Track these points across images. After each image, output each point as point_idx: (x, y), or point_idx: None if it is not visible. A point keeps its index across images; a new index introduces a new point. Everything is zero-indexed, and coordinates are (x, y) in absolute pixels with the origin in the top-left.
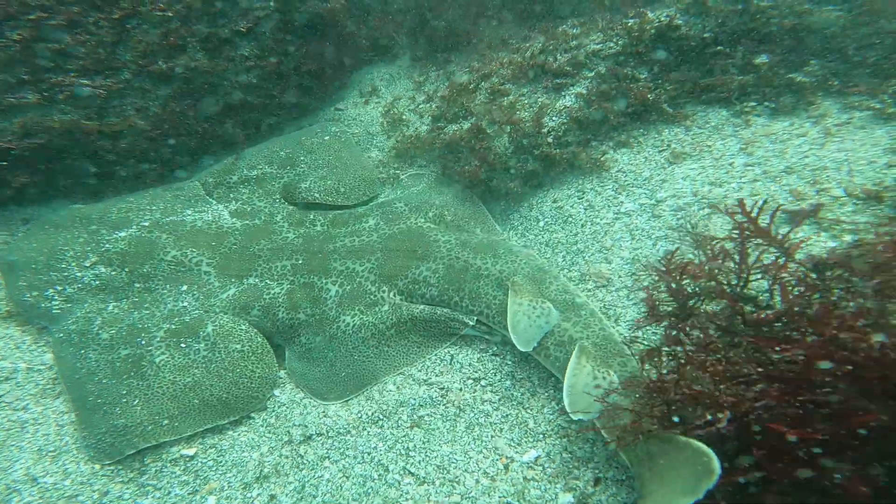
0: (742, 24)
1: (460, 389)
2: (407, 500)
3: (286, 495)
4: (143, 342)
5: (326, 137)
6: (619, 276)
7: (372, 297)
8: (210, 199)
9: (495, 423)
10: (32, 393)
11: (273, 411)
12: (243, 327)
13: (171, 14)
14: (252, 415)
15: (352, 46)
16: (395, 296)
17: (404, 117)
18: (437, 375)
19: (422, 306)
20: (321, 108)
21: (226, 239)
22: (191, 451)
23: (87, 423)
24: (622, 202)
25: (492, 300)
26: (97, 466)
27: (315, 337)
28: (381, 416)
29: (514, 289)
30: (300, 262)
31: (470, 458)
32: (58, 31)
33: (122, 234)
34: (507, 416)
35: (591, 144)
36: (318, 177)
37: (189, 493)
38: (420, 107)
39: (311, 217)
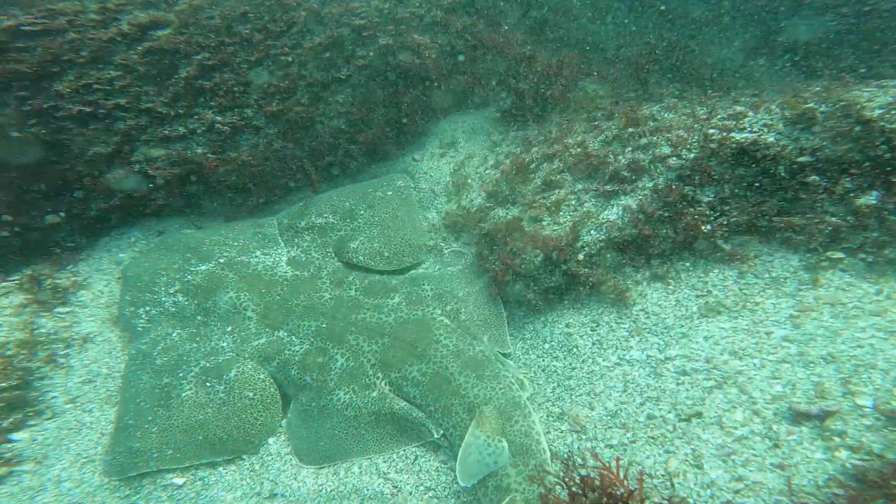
0: (854, 150)
1: (410, 493)
2: None
3: None
4: (181, 374)
5: (389, 192)
6: (595, 427)
7: (367, 379)
8: (279, 242)
9: None
10: (101, 398)
11: (261, 458)
12: (261, 377)
13: (291, 59)
14: (244, 456)
15: (440, 97)
16: (385, 385)
17: (469, 181)
18: (396, 472)
19: (403, 403)
20: (401, 155)
21: (275, 288)
22: (180, 481)
23: (114, 438)
24: (631, 347)
25: (459, 421)
26: (105, 480)
27: (312, 402)
28: (336, 497)
29: (479, 419)
30: (324, 325)
31: None
32: (214, 71)
33: (203, 267)
34: None
35: (624, 270)
36: (368, 237)
37: None
38: (486, 172)
39: (350, 279)
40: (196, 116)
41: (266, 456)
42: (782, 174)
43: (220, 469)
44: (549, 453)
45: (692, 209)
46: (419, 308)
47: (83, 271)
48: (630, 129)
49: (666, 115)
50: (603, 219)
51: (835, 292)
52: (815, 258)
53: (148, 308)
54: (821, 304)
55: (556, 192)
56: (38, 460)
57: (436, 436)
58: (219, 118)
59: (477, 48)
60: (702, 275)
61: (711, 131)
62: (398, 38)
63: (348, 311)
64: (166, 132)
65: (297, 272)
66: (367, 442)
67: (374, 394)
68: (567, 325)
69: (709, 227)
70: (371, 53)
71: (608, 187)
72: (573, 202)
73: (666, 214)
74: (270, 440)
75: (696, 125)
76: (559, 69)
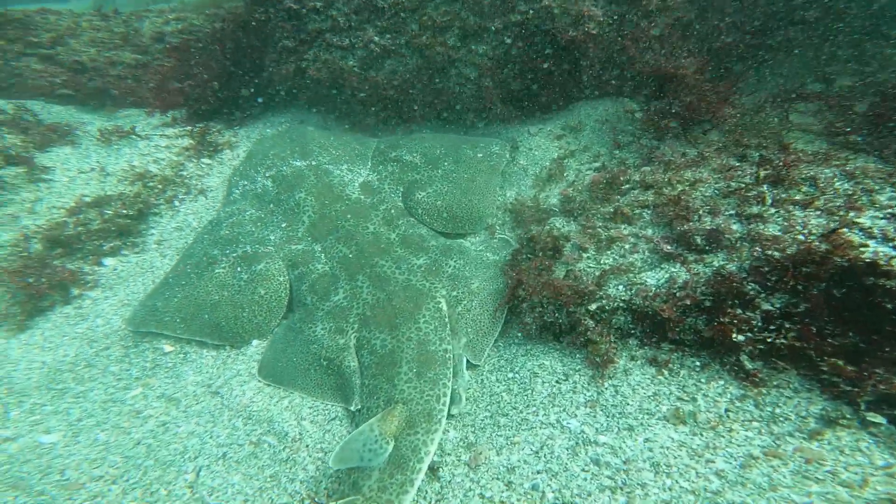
0: None
1: (307, 446)
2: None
3: (170, 418)
4: (228, 251)
5: (480, 155)
6: (486, 472)
7: (345, 325)
8: (366, 163)
9: (282, 479)
10: (179, 247)
11: (237, 354)
12: (280, 279)
13: None
14: (227, 346)
15: (587, 77)
16: (353, 338)
17: (565, 175)
18: (311, 422)
19: (354, 364)
20: (520, 123)
21: (336, 203)
22: (169, 349)
23: (151, 291)
24: (576, 415)
25: (373, 406)
26: (122, 326)
27: (297, 322)
28: (251, 419)
29: (386, 414)
30: (350, 256)
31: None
32: None
33: (297, 163)
34: (304, 480)
35: (628, 340)
36: (437, 191)
37: (137, 376)
38: (586, 173)
39: (400, 222)
40: (361, 32)
41: (240, 355)
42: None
43: (204, 351)
44: (421, 476)
45: (738, 312)
46: (429, 280)
47: (239, 136)
48: (762, 188)
49: (839, 184)
50: (639, 279)
51: (828, 451)
52: (843, 412)
53: (245, 182)
54: (794, 456)
55: (621, 227)
56: (105, 289)
57: (352, 408)
58: (376, 38)
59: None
60: (702, 380)
61: (814, 242)
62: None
63: (375, 253)
64: (335, 40)
65: (362, 197)
66: (309, 382)
67: (341, 341)
68: (539, 366)
69: (742, 337)
70: (531, 11)
71: (668, 247)
72: (627, 246)
73: (707, 304)
74: (254, 342)
75: (827, 211)
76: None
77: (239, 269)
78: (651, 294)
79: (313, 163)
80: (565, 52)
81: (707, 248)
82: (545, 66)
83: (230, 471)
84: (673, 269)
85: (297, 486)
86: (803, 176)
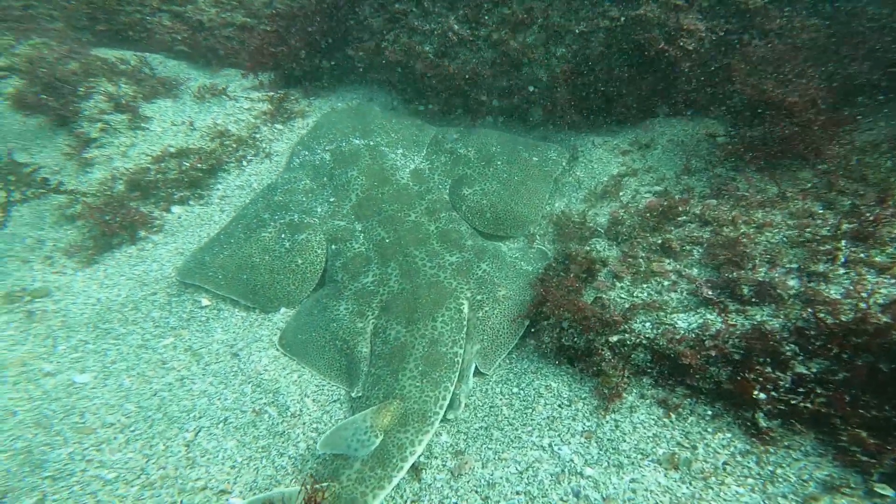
0: None
1: (304, 423)
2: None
3: (189, 374)
4: (277, 217)
5: (535, 159)
6: (466, 482)
7: (367, 310)
8: (422, 151)
9: (272, 441)
10: (238, 205)
11: (264, 319)
12: (318, 251)
13: None
14: (257, 310)
15: (675, 94)
16: (371, 324)
17: (620, 195)
18: (313, 400)
19: (366, 350)
20: (586, 132)
21: (384, 186)
22: (206, 303)
23: (202, 245)
24: (569, 442)
25: (372, 396)
26: (172, 274)
27: (325, 298)
28: (260, 387)
29: (382, 407)
30: (387, 241)
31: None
32: None
33: (357, 141)
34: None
35: (642, 378)
36: (484, 190)
37: (173, 325)
38: (643, 196)
39: (442, 215)
40: (443, 19)
41: (266, 320)
42: None
43: (235, 310)
44: (401, 474)
45: (767, 370)
46: (457, 279)
47: (313, 106)
48: (839, 244)
49: None
50: (669, 320)
51: None
52: (850, 480)
53: (306, 153)
54: None
55: (665, 262)
56: (167, 235)
57: (353, 395)
58: (456, 27)
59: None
60: (708, 430)
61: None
62: (665, 11)
63: (411, 242)
64: (416, 24)
65: (410, 183)
66: (322, 360)
67: (360, 325)
68: (546, 387)
69: (763, 395)
70: (623, 18)
71: (709, 293)
72: (665, 283)
73: (736, 357)
74: (283, 309)
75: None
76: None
77: (283, 235)
78: (678, 337)
79: (371, 143)
80: (652, 64)
81: (753, 300)
82: (626, 76)
83: (227, 436)
84: (709, 316)
85: (284, 461)
86: (894, 236)
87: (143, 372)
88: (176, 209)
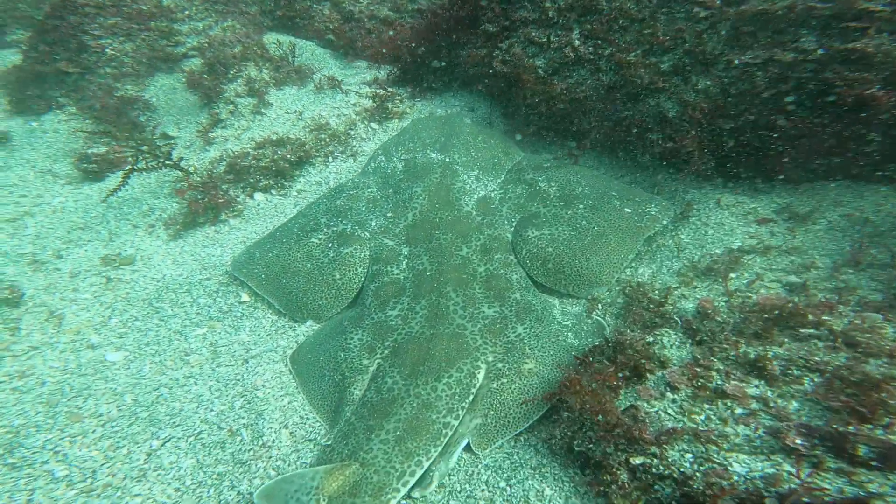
0: None
1: (269, 446)
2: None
3: (197, 373)
4: (332, 224)
5: (628, 210)
6: None
7: (377, 346)
8: (500, 177)
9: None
10: (311, 201)
11: (292, 329)
12: (359, 269)
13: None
14: (286, 317)
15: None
16: (375, 364)
17: (732, 276)
18: (288, 429)
19: (358, 394)
20: (714, 190)
21: (444, 210)
22: (246, 299)
23: (259, 239)
24: None
25: (338, 455)
26: (227, 266)
27: (347, 321)
28: (246, 405)
29: (334, 470)
30: (428, 273)
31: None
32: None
33: (433, 155)
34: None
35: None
36: (553, 235)
37: (212, 316)
38: (765, 284)
39: (493, 257)
40: (564, 32)
41: (291, 330)
42: None
43: (269, 313)
44: None
45: None
46: (483, 338)
47: (416, 108)
48: None
49: None
50: (722, 458)
51: None
52: None
53: (383, 158)
54: None
55: (749, 383)
56: (243, 220)
57: (323, 442)
58: (577, 42)
59: None
60: None
61: None
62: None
63: (452, 281)
64: (534, 34)
65: (474, 212)
66: (316, 390)
67: (365, 362)
68: (538, 494)
69: None
70: (820, 51)
71: (799, 441)
72: (738, 411)
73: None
74: (309, 322)
75: None
76: None
77: (330, 245)
78: (725, 486)
79: (447, 159)
80: (845, 115)
81: (866, 465)
82: (797, 125)
83: (191, 452)
84: (786, 469)
85: (232, 495)
86: None
87: (164, 360)
88: (258, 196)
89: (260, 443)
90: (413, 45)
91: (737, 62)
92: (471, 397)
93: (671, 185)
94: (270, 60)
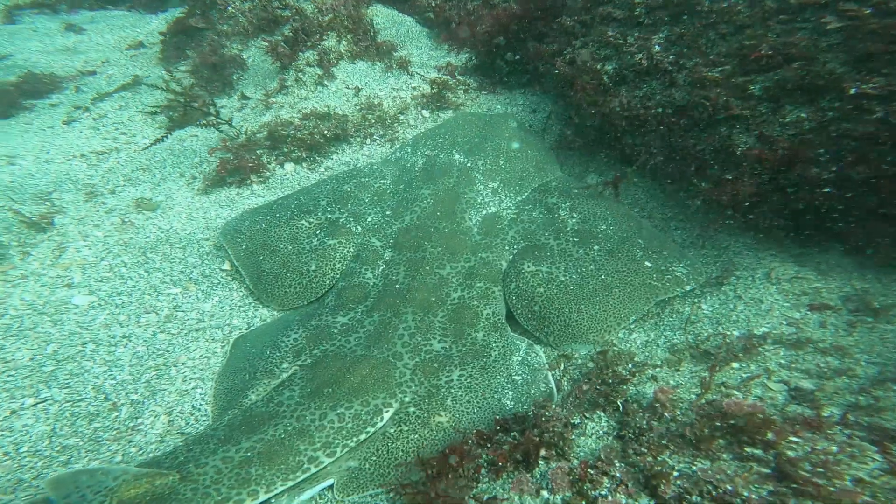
0: None
1: (134, 430)
2: None
3: (142, 334)
4: (329, 210)
5: (649, 264)
6: None
7: (303, 351)
8: (523, 193)
9: None
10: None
11: (254, 309)
12: (337, 266)
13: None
14: (259, 300)
15: None
16: (285, 373)
17: (729, 368)
18: (171, 415)
19: (253, 398)
20: (772, 258)
21: (443, 220)
22: (226, 268)
23: (251, 208)
24: None
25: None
26: (217, 232)
27: (297, 315)
28: (154, 380)
29: (144, 475)
30: (397, 287)
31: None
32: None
33: (457, 157)
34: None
35: None
36: (551, 275)
37: (192, 277)
38: (763, 385)
39: (475, 286)
40: (647, 34)
41: (251, 311)
42: None
43: (241, 287)
44: None
45: None
46: (414, 375)
47: (478, 102)
48: None
49: None
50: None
51: None
52: None
53: (409, 149)
54: None
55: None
56: (265, 188)
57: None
58: (656, 49)
59: None
60: None
61: None
62: None
63: (415, 301)
64: (610, 34)
65: (475, 230)
66: (225, 382)
67: (284, 366)
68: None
69: None
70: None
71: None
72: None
73: None
74: (271, 308)
75: None
76: None
77: (318, 232)
78: None
79: (469, 163)
80: None
81: None
82: None
83: (51, 420)
84: None
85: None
86: None
87: (119, 315)
88: (288, 166)
89: (131, 424)
90: (491, 32)
91: (853, 91)
92: (363, 436)
93: (716, 241)
94: (353, 32)
